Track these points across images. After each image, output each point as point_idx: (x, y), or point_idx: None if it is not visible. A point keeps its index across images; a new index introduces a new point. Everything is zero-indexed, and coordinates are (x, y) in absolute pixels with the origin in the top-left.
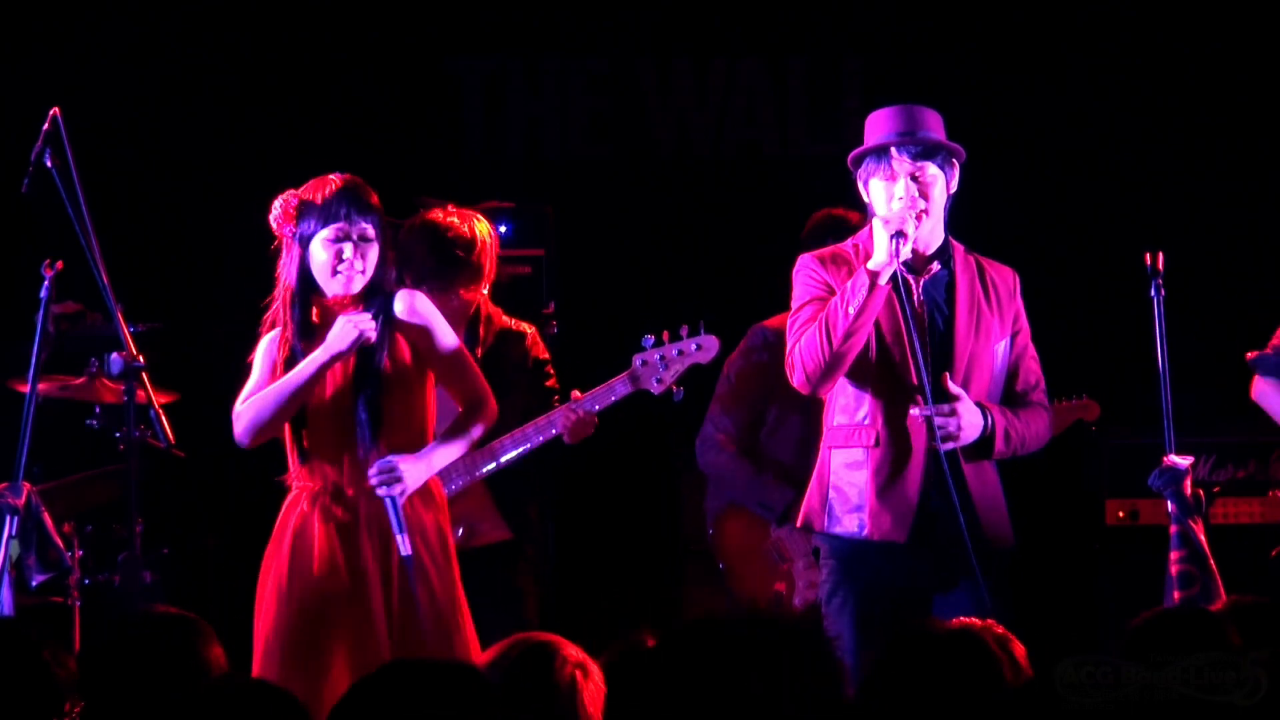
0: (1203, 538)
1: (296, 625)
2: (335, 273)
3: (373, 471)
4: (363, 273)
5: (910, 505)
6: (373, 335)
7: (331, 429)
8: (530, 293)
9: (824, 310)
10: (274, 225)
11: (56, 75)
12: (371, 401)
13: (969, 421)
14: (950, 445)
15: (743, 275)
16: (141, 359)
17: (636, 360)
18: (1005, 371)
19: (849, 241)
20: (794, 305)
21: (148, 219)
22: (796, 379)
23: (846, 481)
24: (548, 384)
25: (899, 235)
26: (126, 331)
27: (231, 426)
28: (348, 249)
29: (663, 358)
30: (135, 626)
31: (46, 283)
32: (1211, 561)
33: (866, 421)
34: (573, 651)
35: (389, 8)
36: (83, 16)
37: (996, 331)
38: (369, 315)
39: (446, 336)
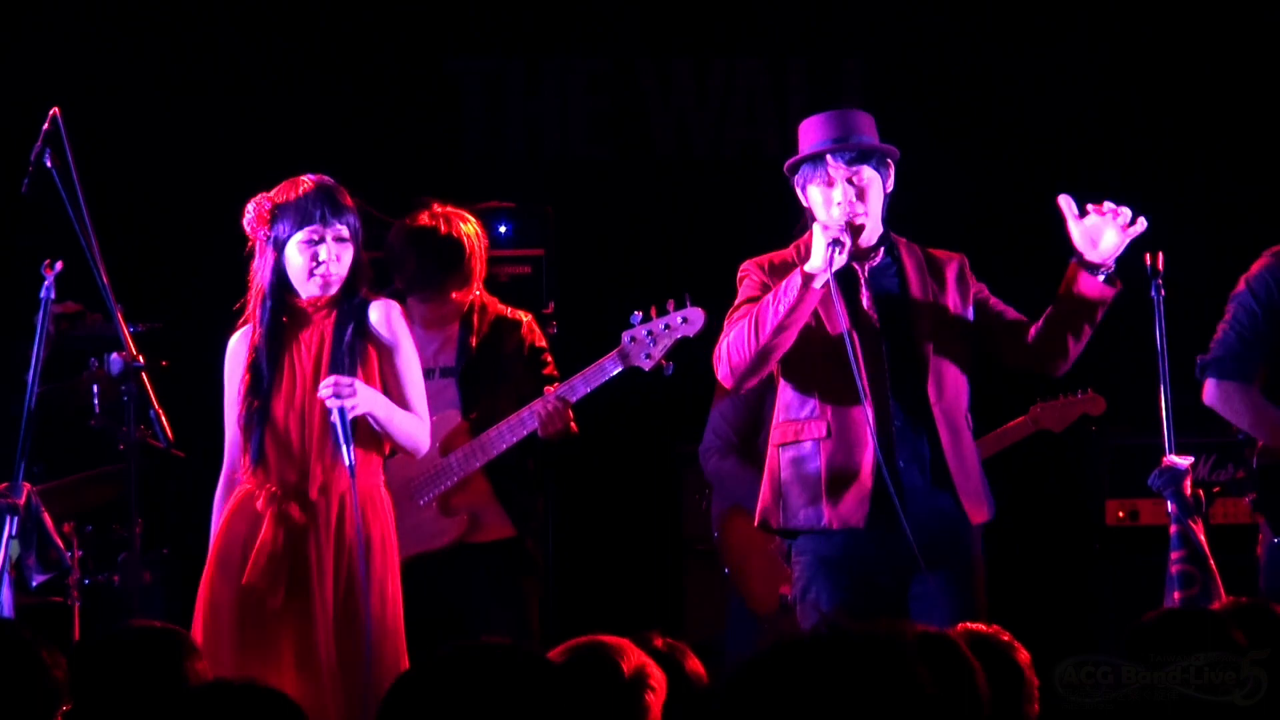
0: (1203, 538)
1: (237, 627)
2: (311, 275)
3: (328, 382)
4: (339, 275)
5: (865, 491)
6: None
7: (297, 432)
8: (530, 293)
9: (756, 307)
10: (247, 229)
11: (56, 75)
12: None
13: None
14: None
15: None
16: (141, 359)
17: (625, 337)
18: (982, 333)
19: (792, 246)
20: (733, 306)
21: (148, 219)
22: (721, 371)
23: (798, 475)
24: (545, 371)
25: (836, 244)
26: (126, 331)
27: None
28: (323, 251)
29: (650, 333)
30: (119, 642)
31: (47, 283)
32: (1211, 561)
33: (815, 414)
34: (636, 655)
35: (389, 8)
36: (82, 16)
37: (955, 308)
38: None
39: (410, 359)
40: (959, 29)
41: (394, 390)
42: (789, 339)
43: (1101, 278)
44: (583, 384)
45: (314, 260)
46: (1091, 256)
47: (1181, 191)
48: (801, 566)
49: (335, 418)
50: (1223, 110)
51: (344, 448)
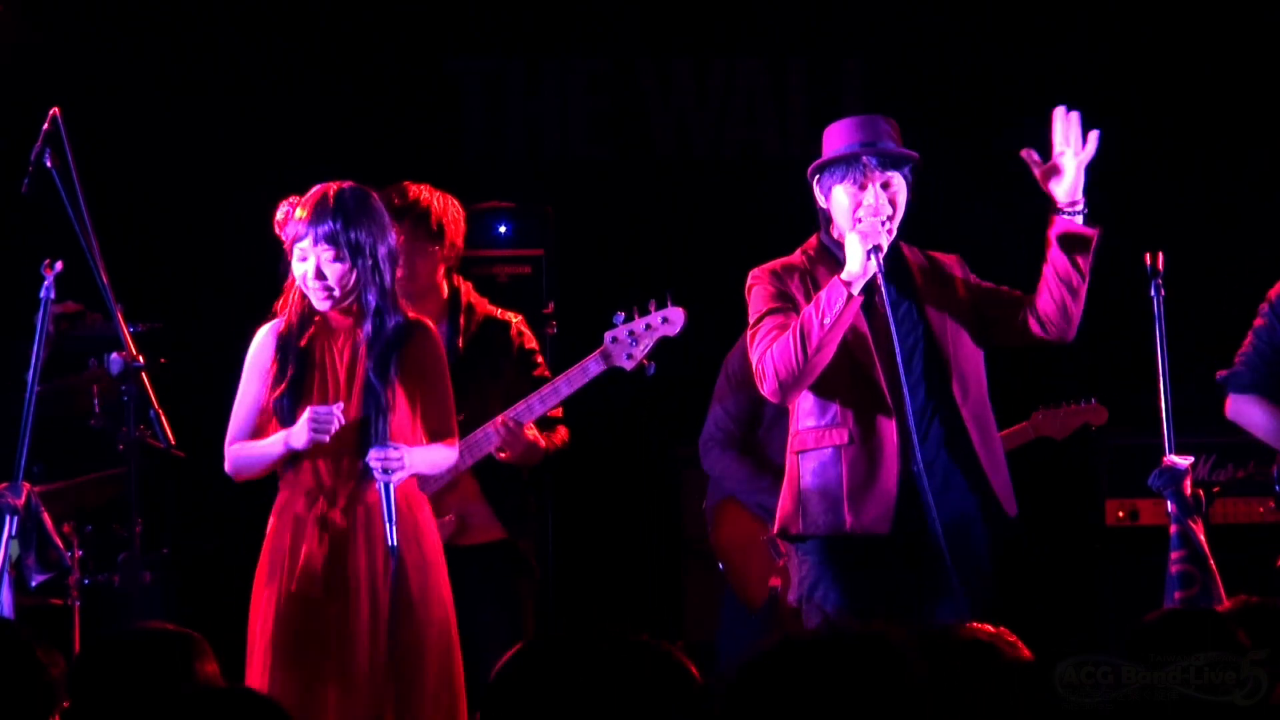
0: (1203, 538)
1: (289, 635)
2: (308, 289)
3: (376, 455)
4: (331, 288)
5: (890, 498)
6: (325, 438)
7: (334, 438)
8: (530, 293)
9: (798, 319)
10: (276, 230)
11: (56, 75)
12: (384, 416)
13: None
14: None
15: (742, 276)
16: (141, 359)
17: (607, 338)
18: (986, 320)
19: (798, 252)
20: (752, 316)
21: (148, 219)
22: (768, 387)
23: (819, 482)
24: (535, 373)
25: (876, 250)
26: (126, 331)
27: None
28: (305, 268)
29: (631, 333)
30: (128, 644)
31: (47, 283)
32: (1211, 562)
33: (836, 421)
34: None
35: (389, 8)
36: (82, 16)
37: (962, 307)
38: (334, 414)
39: (443, 383)
40: (959, 29)
41: (429, 415)
42: (831, 350)
43: (1079, 219)
44: (565, 385)
45: (303, 277)
46: (1062, 198)
47: (1181, 191)
48: (810, 565)
49: (381, 491)
50: (1223, 110)
51: (389, 526)
